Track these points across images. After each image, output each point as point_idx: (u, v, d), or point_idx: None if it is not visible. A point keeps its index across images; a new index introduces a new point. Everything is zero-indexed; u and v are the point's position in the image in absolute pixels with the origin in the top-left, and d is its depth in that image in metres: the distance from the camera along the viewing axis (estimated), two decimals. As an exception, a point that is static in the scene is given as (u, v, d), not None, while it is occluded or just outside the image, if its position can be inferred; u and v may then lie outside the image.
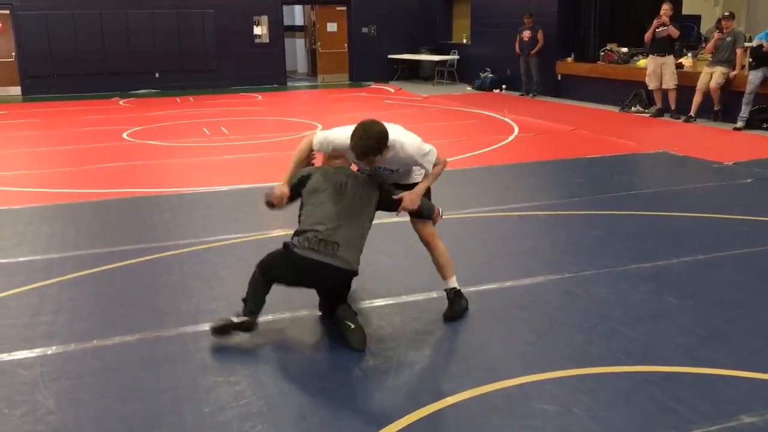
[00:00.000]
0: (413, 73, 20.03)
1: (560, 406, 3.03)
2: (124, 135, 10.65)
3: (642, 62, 12.61)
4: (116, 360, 3.54)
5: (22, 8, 16.61)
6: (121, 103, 15.18)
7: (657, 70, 11.66)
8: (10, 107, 14.76)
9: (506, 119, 11.78)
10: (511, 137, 10.09)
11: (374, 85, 18.38)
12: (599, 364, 3.41)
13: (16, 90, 17.12)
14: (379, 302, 4.22)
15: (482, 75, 17.04)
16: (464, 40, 18.76)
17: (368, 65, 19.60)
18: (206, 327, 3.79)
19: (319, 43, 20.09)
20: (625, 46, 13.72)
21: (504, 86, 16.43)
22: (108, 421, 3.00)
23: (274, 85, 18.56)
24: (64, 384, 3.29)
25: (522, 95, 15.29)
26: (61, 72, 17.02)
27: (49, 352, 3.62)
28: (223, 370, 3.41)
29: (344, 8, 19.76)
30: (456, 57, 18.65)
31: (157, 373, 3.40)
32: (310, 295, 4.31)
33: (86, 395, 3.21)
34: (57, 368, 3.45)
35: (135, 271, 4.80)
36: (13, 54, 17.01)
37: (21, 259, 5.10)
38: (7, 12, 16.77)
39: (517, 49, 15.00)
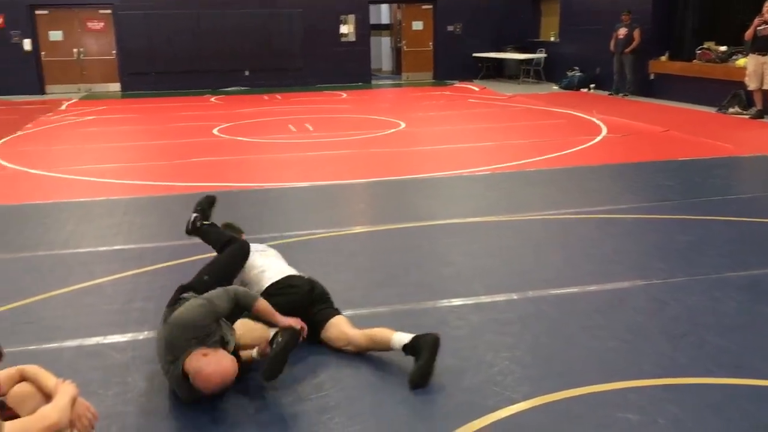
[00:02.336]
0: (498, 71, 19.80)
1: (644, 415, 2.92)
2: (215, 131, 11.02)
3: (741, 61, 12.00)
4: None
5: (123, 8, 17.45)
6: (212, 100, 15.71)
7: (758, 70, 11.07)
8: (110, 103, 15.53)
9: (594, 119, 11.47)
10: (599, 138, 9.82)
11: (458, 84, 18.29)
12: (687, 374, 3.27)
13: (116, 86, 18.01)
14: (458, 302, 4.19)
15: (570, 74, 16.65)
16: (552, 38, 18.39)
17: (452, 64, 19.51)
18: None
19: (404, 42, 20.15)
20: (723, 45, 13.09)
21: (593, 85, 16.00)
22: (199, 404, 3.11)
23: (359, 84, 18.75)
24: (155, 368, 3.43)
25: (612, 94, 14.85)
26: (158, 69, 17.79)
27: (141, 337, 3.79)
28: (302, 362, 3.47)
29: (430, 6, 19.74)
30: (543, 55, 18.31)
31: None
32: (389, 293, 4.34)
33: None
34: (148, 353, 3.60)
35: (221, 262, 4.95)
36: (114, 52, 17.90)
37: (117, 247, 5.36)
38: (109, 12, 17.66)
39: (612, 47, 14.57)
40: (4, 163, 8.61)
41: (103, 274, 4.71)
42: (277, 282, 3.68)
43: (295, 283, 3.66)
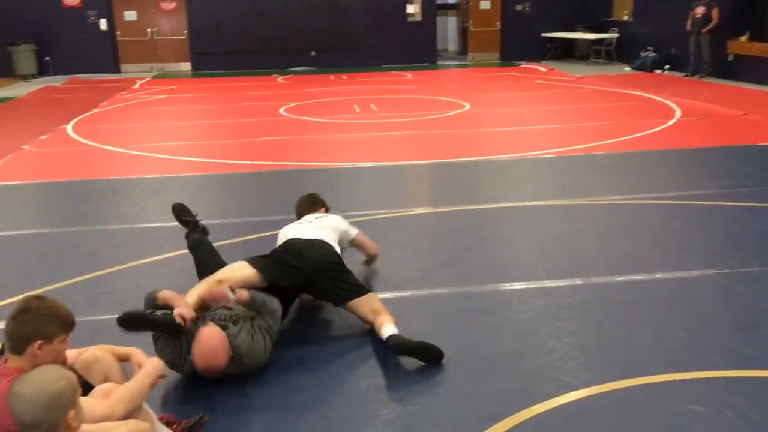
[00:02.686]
0: (567, 52, 19.30)
1: (711, 407, 2.84)
2: (281, 110, 11.17)
3: (829, 41, 11.34)
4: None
5: (195, -11, 17.79)
6: (279, 80, 15.90)
7: None
8: (180, 82, 15.92)
9: (668, 102, 11.08)
10: (672, 121, 9.49)
11: (525, 65, 17.94)
12: (757, 366, 3.15)
13: (187, 66, 18.43)
14: (520, 285, 4.15)
15: (643, 54, 16.10)
16: (625, 17, 17.78)
17: (520, 44, 19.13)
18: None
19: (470, 21, 19.87)
20: (810, 24, 12.40)
21: (667, 66, 15.43)
22: (257, 386, 3.19)
23: (425, 64, 18.63)
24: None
25: (687, 76, 14.30)
26: (226, 49, 18.10)
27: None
28: (362, 340, 3.51)
29: (498, -15, 19.37)
30: (615, 35, 17.75)
31: (303, 336, 3.57)
32: (449, 275, 4.33)
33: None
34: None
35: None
36: (185, 32, 18.29)
37: (185, 223, 5.51)
38: (181, -8, 18.04)
39: (688, 27, 14.00)
40: (81, 140, 8.96)
41: (172, 248, 4.86)
42: (274, 250, 3.70)
43: (287, 257, 3.58)
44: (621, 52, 17.48)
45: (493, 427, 2.76)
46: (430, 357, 3.25)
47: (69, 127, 9.82)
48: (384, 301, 3.92)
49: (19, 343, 2.31)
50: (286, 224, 4.11)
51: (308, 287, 3.61)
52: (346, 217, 4.27)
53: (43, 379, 2.01)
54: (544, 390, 3.02)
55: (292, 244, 3.67)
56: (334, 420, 2.86)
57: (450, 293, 4.08)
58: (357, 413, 2.90)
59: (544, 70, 16.66)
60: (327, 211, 4.30)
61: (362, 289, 3.57)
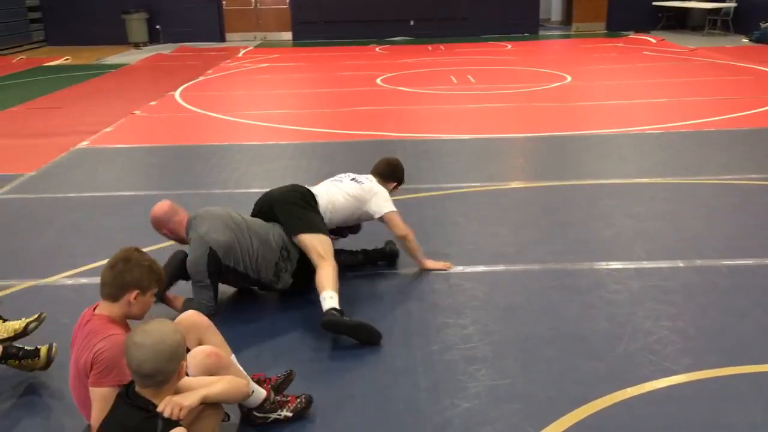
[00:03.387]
0: (680, 22, 18.29)
1: (821, 404, 2.68)
2: (378, 80, 11.19)
3: None
4: (362, 289, 3.81)
5: (297, -41, 18.00)
6: (377, 50, 15.92)
7: None
8: (281, 51, 16.22)
9: (788, 76, 10.32)
10: (792, 97, 8.85)
11: (633, 35, 17.14)
12: None
13: (288, 35, 18.75)
14: (617, 265, 4.02)
15: (763, 25, 15.03)
16: (745, -15, 16.64)
17: (629, 13, 18.28)
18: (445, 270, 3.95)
19: (577, -10, 19.14)
20: None
21: (790, 38, 14.37)
22: (346, 342, 3.25)
23: (525, 34, 18.15)
24: (314, 306, 3.62)
25: (812, 49, 13.27)
26: (326, 19, 18.27)
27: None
28: (451, 312, 3.52)
29: (607, -49, 18.54)
30: (733, 4, 16.65)
31: (393, 306, 3.62)
32: (544, 251, 4.25)
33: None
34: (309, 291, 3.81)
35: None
36: (287, 1, 18.57)
37: (283, 189, 5.65)
38: (285, -38, 18.29)
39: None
40: (187, 106, 9.32)
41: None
42: None
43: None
44: (739, 23, 16.40)
45: (583, 406, 2.71)
46: (366, 337, 3.20)
47: (177, 94, 10.23)
48: (475, 275, 3.93)
49: (117, 290, 2.43)
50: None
51: (277, 220, 3.72)
52: (440, 189, 4.24)
53: (163, 331, 2.13)
54: (639, 373, 2.93)
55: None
56: (422, 389, 2.88)
57: (543, 269, 4.00)
58: (445, 384, 2.92)
59: (654, 41, 15.86)
60: (397, 186, 4.23)
61: (314, 228, 3.61)
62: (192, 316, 2.67)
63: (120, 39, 17.14)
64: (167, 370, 2.11)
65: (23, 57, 15.17)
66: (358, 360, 3.13)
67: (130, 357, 2.10)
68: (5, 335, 3.01)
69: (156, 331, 2.12)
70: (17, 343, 2.97)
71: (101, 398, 2.30)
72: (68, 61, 14.53)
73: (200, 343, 2.57)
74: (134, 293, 2.43)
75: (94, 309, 2.49)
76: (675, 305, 3.53)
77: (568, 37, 18.35)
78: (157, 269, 2.51)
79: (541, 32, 18.84)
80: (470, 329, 3.35)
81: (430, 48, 15.79)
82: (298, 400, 2.68)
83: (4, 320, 3.13)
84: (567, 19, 20.46)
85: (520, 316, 3.49)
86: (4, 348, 2.91)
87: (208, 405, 2.25)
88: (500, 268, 4.02)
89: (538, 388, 2.87)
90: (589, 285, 3.78)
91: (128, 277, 2.42)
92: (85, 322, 2.46)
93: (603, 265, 4.03)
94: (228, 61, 14.28)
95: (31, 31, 17.32)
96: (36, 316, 3.09)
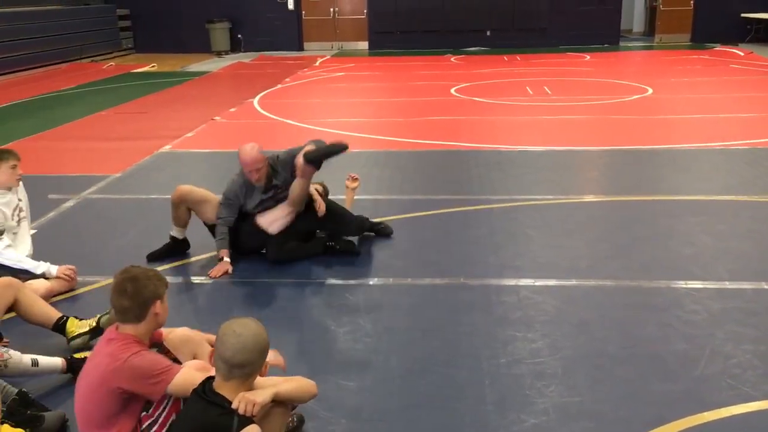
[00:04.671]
0: (771, 34, 17.52)
1: None
2: (452, 90, 11.17)
3: None
4: (428, 298, 3.81)
5: (376, -31, 18.20)
6: (452, 59, 15.89)
7: None
8: (357, 60, 16.42)
9: None
10: None
11: (719, 48, 16.51)
12: None
13: (364, 45, 18.96)
14: (696, 284, 3.87)
15: None
16: (844, -5, 15.80)
17: (715, 25, 17.62)
18: (510, 282, 3.90)
19: (660, 0, 18.60)
20: None
21: None
22: (412, 351, 3.26)
23: (605, 45, 17.75)
24: (381, 314, 3.64)
25: None
26: (402, 29, 18.39)
27: (371, 283, 4.03)
28: (520, 326, 3.46)
29: (695, -39, 17.95)
30: (829, 15, 15.83)
31: (460, 317, 3.59)
32: (618, 266, 4.13)
33: (397, 325, 3.53)
34: (377, 298, 3.84)
35: (449, 219, 5.06)
36: (365, 11, 18.81)
37: (355, 197, 5.70)
38: (362, -27, 18.53)
39: None
40: (265, 113, 9.54)
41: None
42: None
43: None
44: (836, 35, 15.56)
45: (657, 429, 2.62)
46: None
47: (255, 101, 10.49)
48: (546, 288, 3.87)
49: (141, 310, 2.42)
50: (450, 204, 4.11)
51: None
52: (512, 201, 4.20)
53: (258, 326, 2.23)
54: (717, 397, 2.81)
55: None
56: (488, 403, 2.84)
57: (617, 286, 3.90)
58: (512, 398, 2.87)
59: (742, 54, 15.23)
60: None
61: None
62: (186, 331, 2.72)
63: (204, 47, 17.75)
64: (257, 364, 2.20)
65: (113, 64, 15.91)
66: (425, 370, 3.12)
67: (225, 345, 2.16)
68: (81, 330, 3.31)
69: (253, 325, 2.22)
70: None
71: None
72: (154, 68, 15.15)
73: (194, 357, 2.61)
74: (156, 304, 2.46)
75: (117, 327, 2.47)
76: (758, 328, 3.37)
77: (650, 48, 17.84)
78: (159, 274, 2.54)
79: (622, 43, 18.39)
80: (539, 343, 3.29)
81: (506, 58, 15.65)
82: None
83: (80, 320, 3.33)
84: (650, 30, 19.91)
85: (592, 332, 3.40)
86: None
87: (277, 403, 2.29)
88: (572, 282, 3.94)
89: (610, 408, 2.78)
90: (665, 304, 3.66)
91: (145, 292, 2.43)
92: (108, 339, 2.45)
93: (681, 284, 3.89)
94: (305, 69, 14.55)
95: (120, 39, 18.14)
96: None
